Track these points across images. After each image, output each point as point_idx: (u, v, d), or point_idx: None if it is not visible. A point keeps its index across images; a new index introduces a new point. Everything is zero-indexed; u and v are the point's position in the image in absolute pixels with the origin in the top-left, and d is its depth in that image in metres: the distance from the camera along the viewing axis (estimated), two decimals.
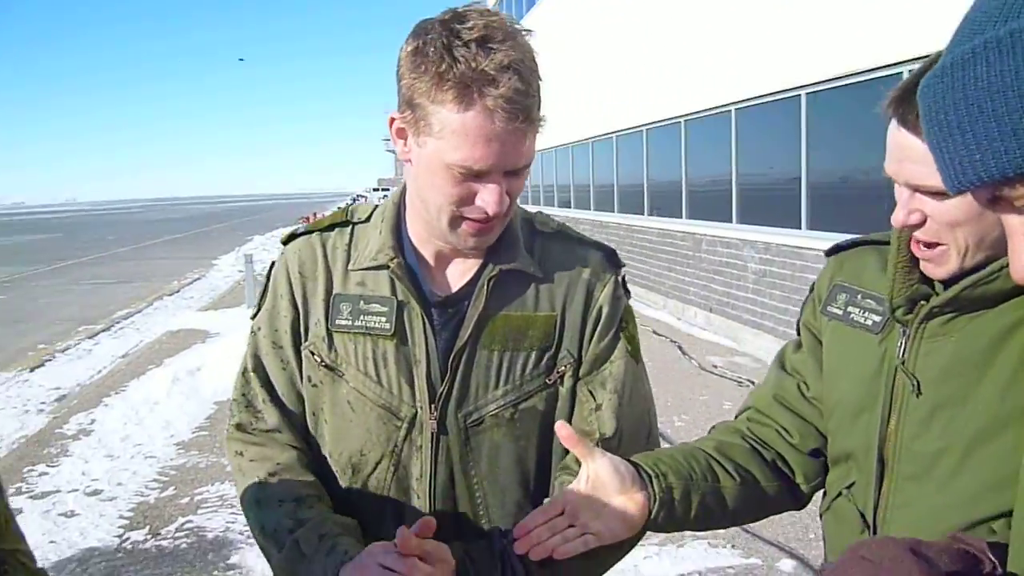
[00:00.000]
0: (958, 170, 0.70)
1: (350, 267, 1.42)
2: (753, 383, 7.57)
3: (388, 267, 1.38)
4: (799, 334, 1.54)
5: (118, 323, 12.64)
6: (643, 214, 13.02)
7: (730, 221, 9.77)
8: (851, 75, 7.24)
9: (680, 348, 9.23)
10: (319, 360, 1.41)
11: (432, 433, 1.37)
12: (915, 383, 1.25)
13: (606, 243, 1.52)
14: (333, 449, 1.42)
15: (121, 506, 5.24)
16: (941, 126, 0.71)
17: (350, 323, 1.39)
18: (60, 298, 16.18)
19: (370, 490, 1.40)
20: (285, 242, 1.51)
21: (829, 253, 1.52)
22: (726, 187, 9.81)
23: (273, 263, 1.51)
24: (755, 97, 8.98)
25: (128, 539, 4.73)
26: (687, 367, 8.38)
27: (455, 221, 1.30)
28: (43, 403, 8.02)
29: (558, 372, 1.40)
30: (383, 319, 1.38)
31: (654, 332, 10.22)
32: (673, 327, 10.61)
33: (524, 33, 1.26)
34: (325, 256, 1.45)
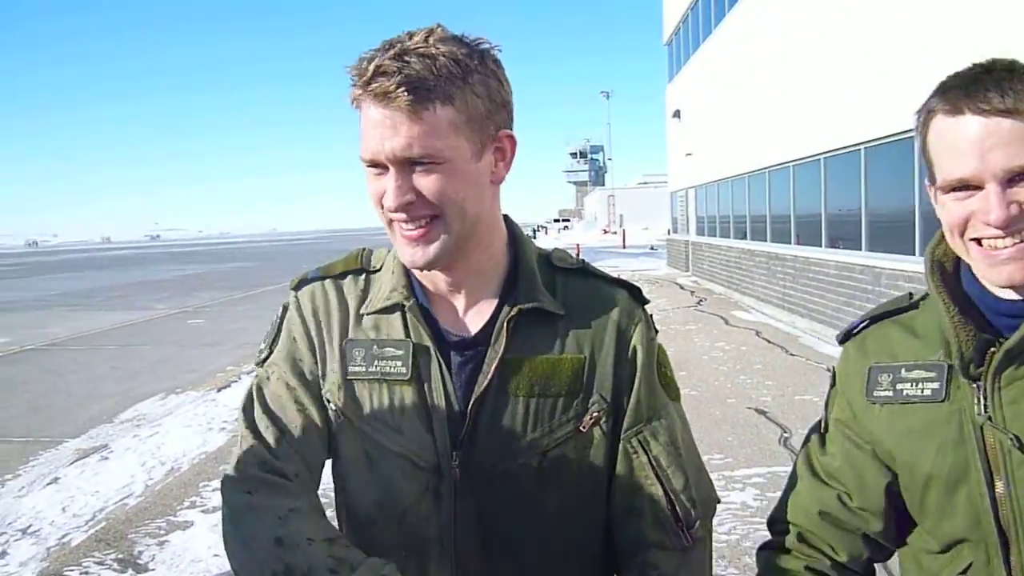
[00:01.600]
0: None
1: (363, 311, 1.35)
2: None
3: (402, 307, 1.32)
4: (823, 432, 1.41)
5: None
6: (821, 246, 12.46)
7: (913, 254, 9.17)
8: None
9: None
10: (335, 408, 1.34)
11: (455, 482, 1.28)
12: (1012, 437, 1.12)
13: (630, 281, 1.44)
14: (353, 500, 1.36)
15: None
16: None
17: (364, 369, 1.32)
18: (251, 323, 17.21)
19: (391, 542, 1.31)
20: (295, 287, 1.43)
21: (842, 340, 1.39)
22: (908, 218, 9.23)
23: (285, 306, 1.43)
24: None
25: None
26: None
27: (392, 228, 1.25)
28: (225, 422, 8.52)
29: (590, 418, 1.31)
30: (399, 363, 1.30)
31: (827, 369, 9.65)
32: None
33: (458, 43, 1.20)
34: (340, 301, 1.38)
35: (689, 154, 22.81)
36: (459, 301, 1.35)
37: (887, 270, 9.80)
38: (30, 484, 6.67)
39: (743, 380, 9.33)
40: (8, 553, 5.23)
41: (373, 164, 1.21)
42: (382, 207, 1.23)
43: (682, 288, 20.99)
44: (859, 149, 10.64)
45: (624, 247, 45.46)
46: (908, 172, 9.18)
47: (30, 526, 5.69)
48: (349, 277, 1.41)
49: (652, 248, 42.22)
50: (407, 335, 1.31)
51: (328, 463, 1.40)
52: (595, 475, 1.33)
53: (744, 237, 17.60)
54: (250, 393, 1.38)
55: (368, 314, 1.35)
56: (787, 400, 8.30)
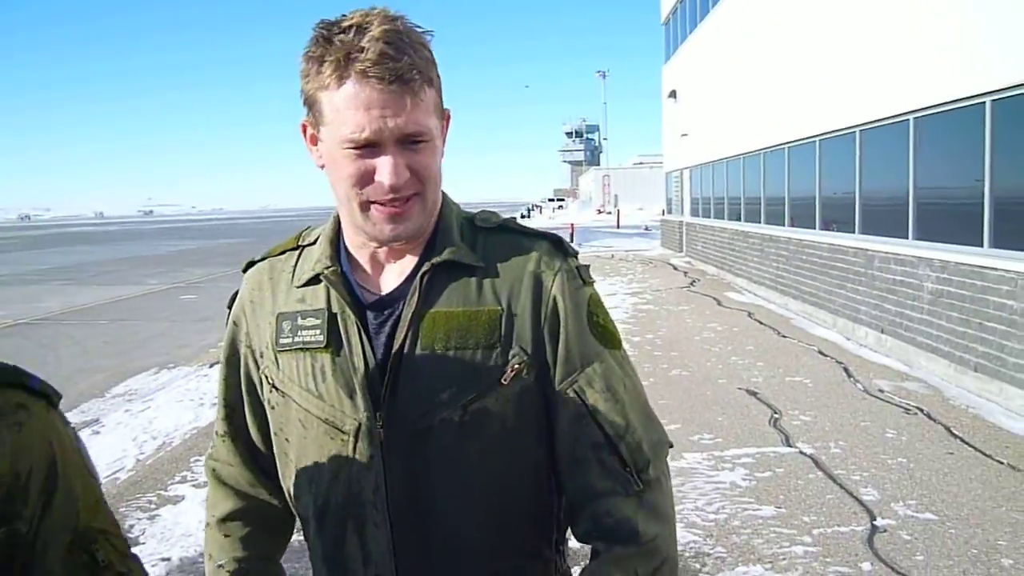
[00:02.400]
0: None
1: (293, 284, 1.40)
2: (921, 410, 7.09)
3: (322, 275, 1.36)
4: None
5: None
6: (814, 228, 12.47)
7: (906, 237, 9.19)
8: None
9: (846, 370, 8.75)
10: (271, 383, 1.39)
11: (381, 443, 1.30)
12: None
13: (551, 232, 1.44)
14: (296, 469, 1.40)
15: None
16: None
17: (290, 340, 1.36)
18: None
19: (331, 507, 1.36)
20: (244, 270, 1.51)
21: None
22: (902, 201, 9.23)
23: (235, 293, 1.51)
24: (935, 105, 8.39)
25: None
26: (851, 390, 7.92)
27: (364, 207, 1.27)
28: (217, 397, 8.52)
29: (511, 370, 1.30)
30: (316, 331, 1.34)
31: (820, 352, 9.75)
32: (842, 347, 10.08)
33: (414, 27, 1.26)
34: (271, 279, 1.44)
35: (685, 135, 22.76)
36: (382, 264, 1.38)
37: (880, 253, 9.81)
38: None
39: (735, 361, 9.35)
40: None
41: (365, 144, 1.23)
42: (360, 187, 1.26)
43: (675, 269, 21.01)
44: (854, 132, 10.63)
45: (618, 227, 45.40)
46: (903, 155, 9.17)
47: None
48: (286, 255, 1.47)
49: (646, 228, 42.17)
50: (328, 303, 1.35)
51: (274, 434, 1.46)
52: (520, 428, 1.33)
53: (738, 219, 17.59)
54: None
55: (298, 287, 1.39)
56: (778, 381, 8.33)
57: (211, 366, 10.05)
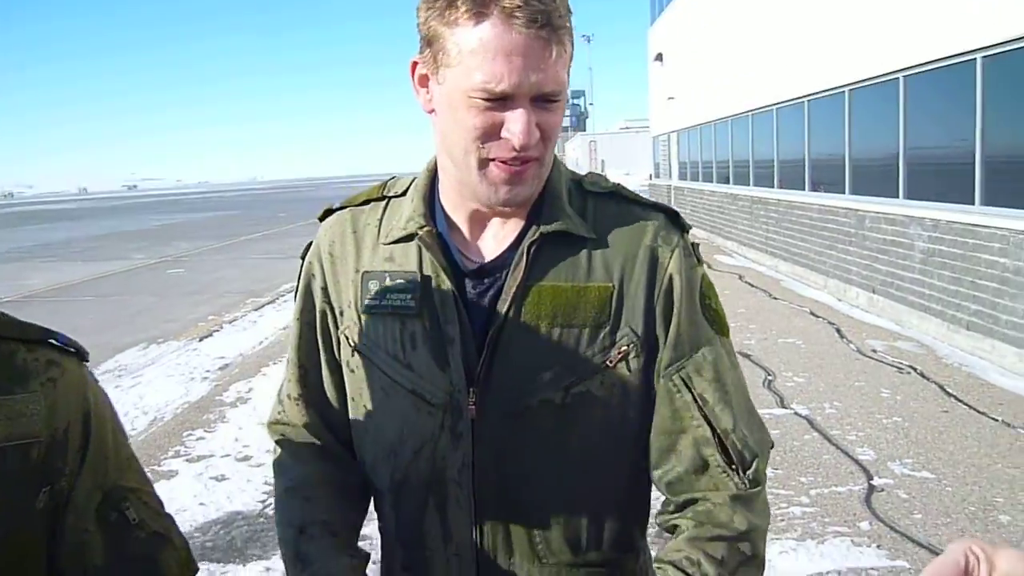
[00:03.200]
0: None
1: (380, 241, 1.28)
2: (915, 369, 7.09)
3: (416, 235, 1.23)
4: None
5: (283, 296, 13.20)
6: (804, 190, 12.43)
7: (896, 197, 9.15)
8: None
9: (838, 331, 8.76)
10: (352, 345, 1.29)
11: (472, 420, 1.20)
12: None
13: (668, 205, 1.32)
14: (374, 438, 1.30)
15: (268, 473, 5.44)
16: None
17: (378, 303, 1.25)
18: (232, 271, 17.14)
19: (411, 481, 1.26)
20: (321, 218, 1.38)
21: None
22: (893, 161, 9.18)
23: (310, 243, 1.38)
24: (925, 63, 8.32)
25: (270, 505, 4.91)
26: (844, 351, 7.93)
27: (483, 164, 1.15)
28: (208, 371, 8.48)
29: (618, 352, 1.20)
30: (407, 295, 1.23)
31: (811, 313, 9.76)
32: (833, 308, 10.09)
33: None
34: (355, 232, 1.31)
35: (671, 98, 22.61)
36: (483, 227, 1.26)
37: (871, 213, 9.79)
38: None
39: None
40: None
41: (500, 96, 1.10)
42: (483, 142, 1.13)
43: None
44: (843, 91, 10.55)
45: None
46: (892, 114, 9.12)
47: None
48: (370, 205, 1.34)
49: None
50: (420, 266, 1.23)
51: (351, 399, 1.35)
52: (623, 415, 1.23)
53: (727, 181, 17.52)
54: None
55: (386, 244, 1.27)
56: (771, 343, 8.32)
57: (201, 340, 10.01)
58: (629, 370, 1.22)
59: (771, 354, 7.86)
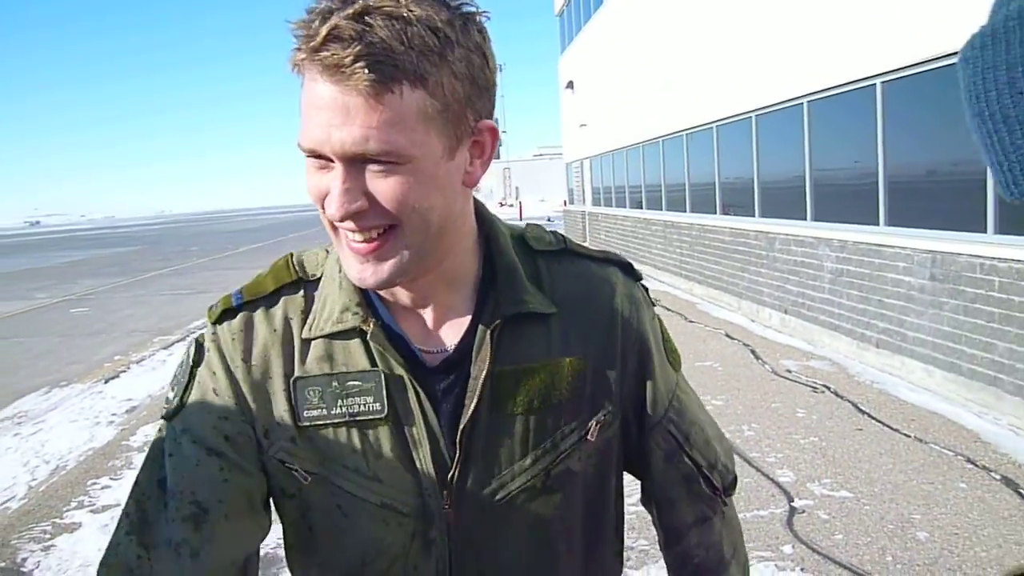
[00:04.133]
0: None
1: (306, 335, 1.09)
2: (828, 388, 7.22)
3: (362, 331, 1.07)
4: None
5: (192, 333, 12.79)
6: (715, 213, 12.66)
7: (805, 219, 9.37)
8: (932, 60, 6.80)
9: (753, 352, 8.88)
10: (294, 468, 1.09)
11: (448, 525, 1.09)
12: None
13: (616, 254, 1.24)
14: (325, 561, 1.14)
15: None
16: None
17: (325, 412, 1.07)
18: (139, 309, 16.56)
19: None
20: (216, 319, 1.13)
21: None
22: (799, 184, 9.41)
23: (198, 343, 1.13)
24: (827, 88, 8.57)
25: None
26: (760, 372, 8.03)
27: (337, 235, 1.00)
28: (114, 414, 8.11)
29: (596, 424, 1.13)
30: (370, 398, 1.06)
31: (727, 335, 9.89)
32: (747, 329, 10.25)
33: (433, 4, 0.92)
34: (274, 331, 1.10)
35: (584, 125, 22.88)
36: (428, 313, 1.11)
37: (780, 235, 10.00)
38: None
39: None
40: None
41: (315, 155, 0.94)
42: (322, 208, 0.97)
43: None
44: (750, 116, 10.80)
45: (521, 219, 45.53)
46: (798, 138, 9.35)
47: None
48: (284, 296, 1.12)
49: (549, 220, 42.33)
50: (373, 364, 1.07)
51: (291, 525, 1.16)
52: (602, 484, 1.20)
53: (640, 206, 17.76)
54: (151, 456, 1.09)
55: (317, 338, 1.09)
56: (688, 367, 8.16)
57: (107, 381, 9.59)
58: (607, 438, 1.17)
59: (690, 378, 7.61)
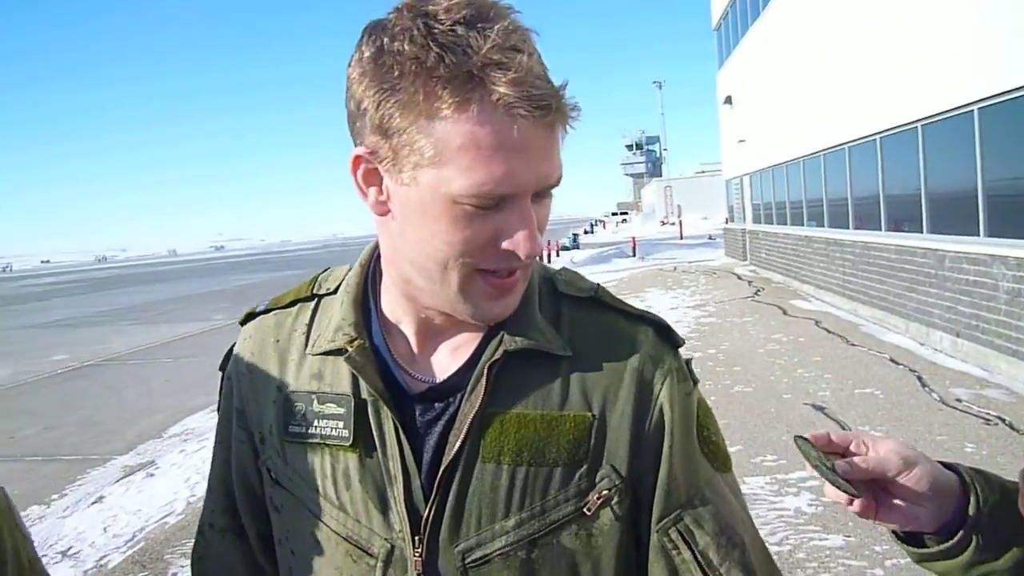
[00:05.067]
0: None
1: (308, 352, 1.07)
2: (1003, 420, 6.63)
3: (345, 351, 1.02)
4: None
5: None
6: (880, 230, 11.97)
7: (977, 235, 8.70)
8: None
9: (920, 379, 8.29)
10: (274, 479, 1.07)
11: (418, 574, 0.99)
12: None
13: (656, 316, 1.09)
14: None
15: None
16: None
17: (303, 430, 1.04)
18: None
19: None
20: (243, 322, 1.17)
21: None
22: (972, 197, 8.75)
23: (230, 351, 1.17)
24: (1002, 93, 7.93)
25: None
26: (926, 400, 7.48)
27: (468, 279, 0.93)
28: None
29: (598, 496, 0.99)
30: (339, 424, 1.01)
31: (892, 360, 9.29)
32: (915, 354, 9.59)
33: (514, 11, 0.90)
34: (278, 342, 1.10)
35: (742, 140, 22.30)
36: (433, 338, 1.05)
37: (950, 252, 9.33)
38: (75, 504, 6.66)
39: (800, 373, 8.94)
40: None
41: (496, 197, 0.88)
42: (471, 256, 0.92)
43: (740, 278, 20.50)
44: (916, 127, 10.16)
45: (682, 238, 44.86)
46: (969, 148, 8.70)
47: (70, 548, 5.66)
48: (298, 307, 1.13)
49: (710, 238, 41.56)
50: (354, 387, 1.02)
51: (277, 542, 1.15)
52: (599, 572, 1.02)
53: (801, 223, 17.08)
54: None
55: (314, 355, 1.06)
56: (847, 395, 7.91)
57: None
58: (611, 519, 1.00)
59: (847, 407, 7.45)
